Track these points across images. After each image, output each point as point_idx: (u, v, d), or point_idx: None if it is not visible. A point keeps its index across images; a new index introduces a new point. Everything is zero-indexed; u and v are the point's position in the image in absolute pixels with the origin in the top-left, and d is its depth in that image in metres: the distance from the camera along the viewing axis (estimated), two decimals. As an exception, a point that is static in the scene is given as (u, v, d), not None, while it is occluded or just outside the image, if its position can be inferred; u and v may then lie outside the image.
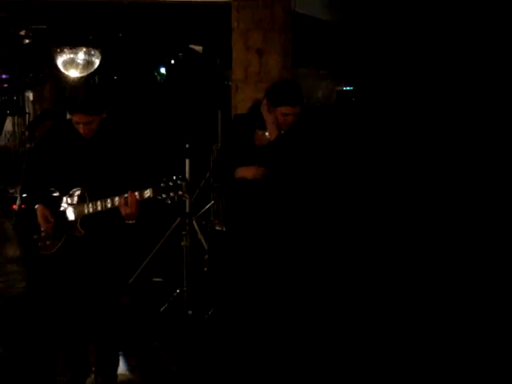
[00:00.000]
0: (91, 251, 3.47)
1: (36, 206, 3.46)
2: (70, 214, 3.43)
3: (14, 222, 3.79)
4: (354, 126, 6.19)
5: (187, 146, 5.35)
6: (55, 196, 3.48)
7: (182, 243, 5.01)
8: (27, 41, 7.43)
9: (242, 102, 5.50)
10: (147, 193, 3.18)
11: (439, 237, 5.75)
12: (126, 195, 3.22)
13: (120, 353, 3.82)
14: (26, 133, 3.65)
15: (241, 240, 3.89)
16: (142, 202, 3.23)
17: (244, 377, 3.87)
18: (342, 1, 6.85)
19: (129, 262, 3.77)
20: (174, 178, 3.13)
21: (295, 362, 3.99)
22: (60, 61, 7.23)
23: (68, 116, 3.39)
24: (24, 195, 3.88)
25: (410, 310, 4.64)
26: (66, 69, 7.29)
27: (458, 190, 6.03)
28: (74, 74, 7.33)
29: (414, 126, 6.66)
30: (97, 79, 9.28)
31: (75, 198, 3.41)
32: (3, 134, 9.07)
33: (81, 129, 3.35)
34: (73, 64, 7.23)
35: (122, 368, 3.82)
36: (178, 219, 5.41)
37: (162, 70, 11.12)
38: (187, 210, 5.38)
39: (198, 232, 5.51)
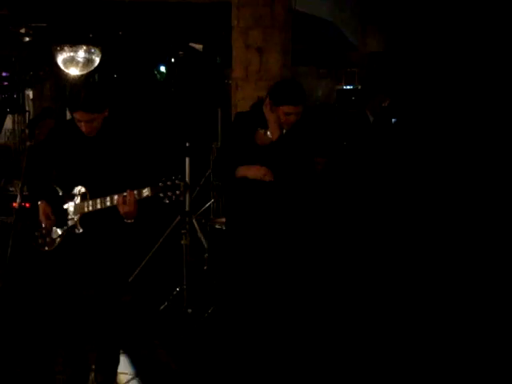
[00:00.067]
0: (90, 249, 3.47)
1: (39, 203, 3.48)
2: (71, 212, 3.45)
3: (13, 219, 3.78)
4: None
5: (187, 144, 5.35)
6: (57, 193, 3.50)
7: (182, 242, 5.01)
8: (27, 39, 7.43)
9: (242, 101, 5.50)
10: (145, 192, 3.18)
11: (440, 237, 5.77)
12: (124, 194, 3.22)
13: (120, 351, 3.82)
14: (26, 131, 3.65)
15: (241, 239, 3.89)
16: (141, 201, 3.23)
17: (243, 375, 3.87)
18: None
19: (129, 261, 3.76)
20: (173, 177, 3.14)
21: (294, 360, 4.00)
22: (60, 59, 7.23)
23: (68, 114, 3.40)
24: (26, 193, 3.90)
25: (410, 310, 4.64)
26: (66, 67, 7.28)
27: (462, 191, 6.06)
28: (74, 72, 7.32)
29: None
30: (97, 77, 9.28)
31: (76, 196, 3.42)
32: (3, 132, 9.06)
33: (83, 127, 3.35)
34: (73, 62, 7.22)
35: (121, 366, 3.82)
36: (178, 218, 5.41)
37: (162, 69, 11.12)
38: (187, 208, 5.38)
39: (198, 230, 5.52)
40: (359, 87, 9.14)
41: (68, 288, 3.55)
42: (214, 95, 7.14)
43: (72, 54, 7.19)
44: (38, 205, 3.49)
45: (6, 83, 9.18)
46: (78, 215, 3.40)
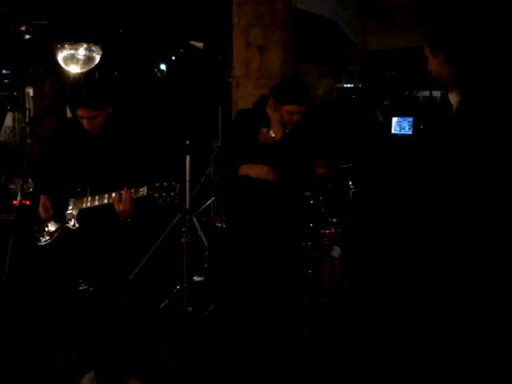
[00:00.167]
0: (85, 245, 3.50)
1: (40, 196, 3.52)
2: (69, 207, 3.47)
3: (14, 217, 3.78)
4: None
5: (187, 142, 5.35)
6: (61, 189, 3.52)
7: (182, 240, 5.01)
8: (28, 36, 7.42)
9: (242, 99, 5.50)
10: (142, 191, 3.18)
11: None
12: (122, 192, 3.23)
13: (120, 349, 3.82)
14: (27, 128, 3.65)
15: (242, 237, 3.89)
16: (138, 201, 3.23)
17: (243, 373, 3.87)
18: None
19: (127, 259, 3.76)
20: (170, 179, 3.14)
21: (294, 360, 4.00)
22: (60, 56, 7.21)
23: (68, 112, 3.41)
24: (26, 191, 3.92)
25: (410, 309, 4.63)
26: (67, 64, 7.27)
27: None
28: (74, 69, 7.31)
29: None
30: (97, 75, 9.28)
31: (77, 192, 3.44)
32: (3, 130, 9.06)
33: (85, 124, 3.37)
34: (73, 60, 7.20)
35: (121, 364, 3.82)
36: (178, 216, 5.41)
37: (162, 67, 11.12)
38: (187, 206, 5.37)
39: (198, 228, 5.52)
40: (360, 85, 9.14)
41: (63, 283, 3.57)
42: (214, 93, 7.13)
43: (72, 51, 7.17)
44: (39, 198, 3.51)
45: (6, 81, 9.19)
46: (76, 211, 3.43)
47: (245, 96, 5.47)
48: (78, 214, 3.44)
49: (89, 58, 7.30)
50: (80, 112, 3.34)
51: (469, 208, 2.73)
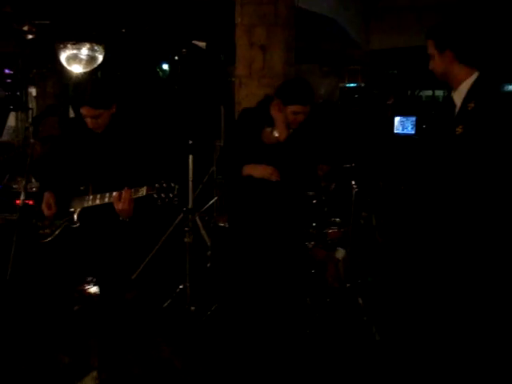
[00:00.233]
0: (85, 243, 3.52)
1: (44, 193, 3.54)
2: (71, 205, 3.49)
3: (17, 217, 3.79)
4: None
5: (190, 141, 5.35)
6: (63, 187, 3.54)
7: (185, 239, 5.01)
8: (30, 36, 7.42)
9: (245, 98, 5.50)
10: (141, 191, 3.19)
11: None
12: (122, 191, 3.24)
13: (123, 348, 3.82)
14: (31, 128, 3.66)
15: (245, 237, 3.89)
16: (138, 202, 3.23)
17: (247, 373, 3.87)
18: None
19: (129, 258, 3.77)
20: (170, 180, 3.15)
21: (297, 358, 4.00)
22: (63, 56, 7.23)
23: (71, 111, 3.43)
24: (29, 190, 3.93)
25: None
26: (69, 64, 7.28)
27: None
28: (77, 69, 7.32)
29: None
30: (99, 75, 9.28)
31: (80, 191, 3.46)
32: (6, 130, 9.07)
33: (89, 122, 3.39)
34: (76, 59, 7.22)
35: (124, 363, 3.82)
36: (181, 215, 5.41)
37: (165, 66, 11.12)
38: (190, 205, 5.38)
39: (201, 228, 5.52)
40: (362, 85, 9.14)
41: (64, 281, 3.58)
42: (217, 93, 7.12)
43: (75, 51, 7.19)
44: (43, 195, 3.54)
45: (9, 80, 9.19)
46: (78, 209, 3.45)
47: (247, 96, 5.47)
48: (79, 212, 3.46)
49: (91, 58, 7.32)
50: (84, 110, 3.36)
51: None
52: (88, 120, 3.39)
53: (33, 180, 5.43)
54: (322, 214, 4.63)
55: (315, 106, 3.71)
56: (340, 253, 4.60)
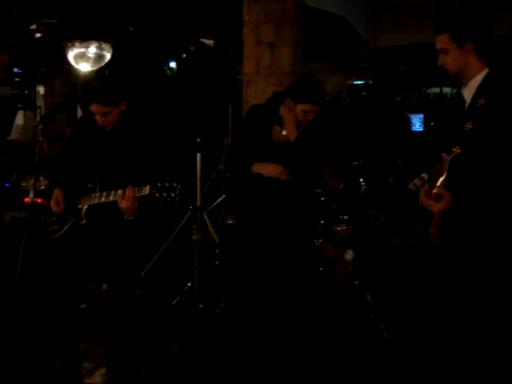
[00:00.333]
0: (91, 241, 3.54)
1: (54, 189, 3.57)
2: (79, 202, 3.51)
3: (26, 215, 3.80)
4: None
5: (198, 139, 5.35)
6: (72, 184, 3.56)
7: (193, 237, 5.01)
8: (38, 35, 7.44)
9: (253, 96, 5.50)
10: (145, 190, 3.19)
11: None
12: (126, 189, 3.25)
13: (132, 346, 3.83)
14: (39, 126, 3.66)
15: (253, 234, 3.89)
16: (143, 199, 3.24)
17: (255, 370, 3.87)
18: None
19: (137, 256, 3.78)
20: (172, 180, 3.15)
21: (305, 355, 4.00)
22: (71, 55, 7.24)
23: (79, 110, 3.45)
24: (38, 188, 3.94)
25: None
26: (77, 62, 7.29)
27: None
28: (84, 67, 7.33)
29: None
30: (107, 73, 9.29)
31: (88, 188, 3.48)
32: (14, 128, 9.09)
33: (98, 120, 3.40)
34: (84, 58, 7.22)
35: (133, 360, 3.83)
36: (189, 213, 5.41)
37: (172, 65, 11.11)
38: (198, 203, 5.38)
39: (209, 226, 5.52)
40: (370, 82, 9.11)
41: (72, 278, 3.59)
42: (224, 91, 7.14)
43: (83, 49, 7.19)
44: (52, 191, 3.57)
45: (17, 79, 9.21)
46: (85, 206, 3.46)
47: (255, 93, 5.47)
48: (86, 210, 3.48)
49: (99, 56, 7.32)
50: (93, 107, 3.38)
51: None
52: (97, 117, 3.40)
53: (41, 178, 5.45)
54: (330, 211, 4.62)
55: (324, 104, 3.71)
56: (349, 254, 4.59)
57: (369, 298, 4.49)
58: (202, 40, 6.58)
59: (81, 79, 8.10)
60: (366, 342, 4.23)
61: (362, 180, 4.55)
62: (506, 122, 2.72)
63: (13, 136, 8.72)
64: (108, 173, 3.46)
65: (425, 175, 2.95)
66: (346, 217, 4.79)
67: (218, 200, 6.84)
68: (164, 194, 3.11)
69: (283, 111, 3.64)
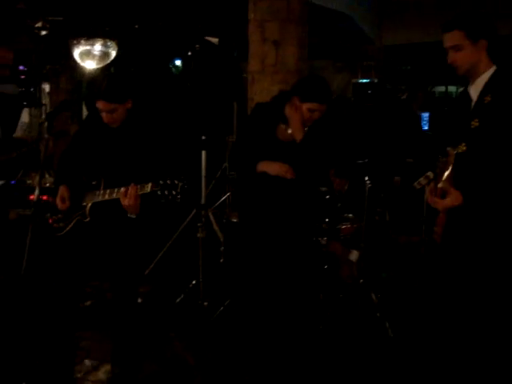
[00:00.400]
0: (95, 238, 3.55)
1: (60, 187, 3.58)
2: (84, 199, 3.52)
3: (31, 212, 3.81)
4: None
5: (203, 137, 5.35)
6: (78, 181, 3.58)
7: (198, 235, 5.01)
8: (44, 32, 7.45)
9: (258, 94, 5.49)
10: (147, 187, 3.20)
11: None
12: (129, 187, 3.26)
13: (136, 343, 3.84)
14: (45, 123, 3.67)
15: (257, 233, 3.89)
16: (146, 197, 3.24)
17: (259, 368, 3.87)
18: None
19: (141, 253, 3.78)
20: (174, 177, 3.15)
21: (310, 354, 4.00)
22: (76, 52, 7.25)
23: (84, 108, 3.46)
24: (43, 185, 3.95)
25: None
26: (83, 60, 7.31)
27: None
28: (90, 65, 7.34)
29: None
30: (112, 70, 9.31)
31: (92, 185, 3.48)
32: (19, 126, 9.11)
33: (104, 117, 3.41)
34: (89, 55, 7.24)
35: (137, 358, 3.84)
36: (194, 211, 5.42)
37: (177, 63, 11.12)
38: (203, 201, 5.38)
39: (214, 223, 5.52)
40: (375, 81, 9.09)
41: (77, 276, 3.59)
42: (229, 89, 7.14)
43: (88, 47, 7.21)
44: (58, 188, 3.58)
45: (23, 77, 9.23)
46: (89, 203, 3.47)
47: (260, 91, 5.46)
48: (90, 207, 3.48)
49: (105, 54, 7.33)
50: (99, 104, 3.39)
51: None
52: (103, 114, 3.41)
53: (46, 175, 5.46)
54: (335, 209, 4.62)
55: (330, 103, 3.70)
56: (354, 255, 4.59)
57: (373, 296, 4.49)
58: (207, 38, 6.58)
59: (86, 77, 8.12)
60: (370, 341, 4.23)
61: (367, 178, 4.54)
62: (511, 119, 2.71)
63: (18, 133, 8.75)
64: (113, 170, 3.47)
65: (430, 174, 2.94)
66: (350, 215, 4.78)
67: (223, 198, 6.83)
68: (166, 192, 3.12)
69: (289, 111, 3.63)
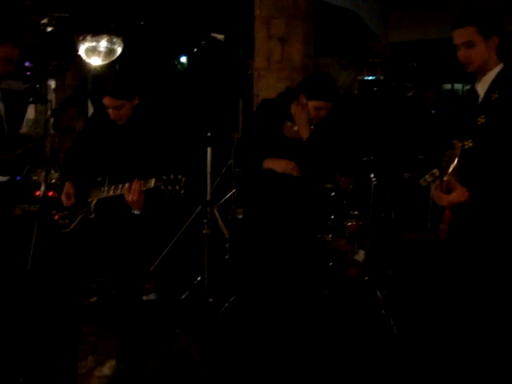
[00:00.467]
0: (100, 235, 3.55)
1: (65, 183, 3.59)
2: (89, 196, 3.52)
3: (37, 208, 3.81)
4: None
5: (209, 134, 5.35)
6: (83, 178, 3.58)
7: (203, 231, 5.02)
8: (50, 29, 7.45)
9: (264, 90, 5.49)
10: (150, 182, 3.19)
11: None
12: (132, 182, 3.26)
13: (141, 339, 3.84)
14: (51, 119, 3.67)
15: (263, 229, 3.88)
16: (149, 193, 3.24)
17: (264, 365, 3.87)
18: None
19: (146, 250, 3.78)
20: (177, 172, 3.14)
21: (314, 351, 4.00)
22: (82, 49, 7.25)
23: (90, 104, 3.46)
24: (49, 182, 3.95)
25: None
26: (88, 56, 7.31)
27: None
28: (96, 61, 7.34)
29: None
30: (117, 67, 9.31)
31: (97, 182, 3.48)
32: (25, 122, 9.13)
33: (111, 113, 3.41)
34: (95, 52, 7.24)
35: (142, 354, 3.84)
36: (199, 207, 5.42)
37: (183, 59, 11.12)
38: (208, 198, 5.38)
39: (219, 220, 5.52)
40: (381, 78, 9.07)
41: (82, 272, 3.60)
42: (235, 86, 7.13)
43: (94, 43, 7.20)
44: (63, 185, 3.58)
45: (28, 73, 9.23)
46: (94, 200, 3.47)
47: (266, 88, 5.46)
48: (95, 203, 3.48)
49: (110, 51, 7.33)
50: (106, 101, 3.39)
51: None
52: (110, 111, 3.41)
53: (52, 171, 5.46)
54: (340, 206, 4.61)
55: (337, 100, 3.69)
56: (360, 255, 4.59)
57: (378, 293, 4.48)
58: (212, 34, 6.57)
59: (92, 73, 8.12)
60: (375, 338, 4.23)
61: (372, 176, 4.54)
62: None
63: (23, 130, 8.75)
64: (118, 166, 3.47)
65: (436, 171, 2.93)
66: (356, 212, 4.78)
67: (228, 194, 6.83)
68: (169, 187, 3.11)
69: (295, 109, 3.62)
